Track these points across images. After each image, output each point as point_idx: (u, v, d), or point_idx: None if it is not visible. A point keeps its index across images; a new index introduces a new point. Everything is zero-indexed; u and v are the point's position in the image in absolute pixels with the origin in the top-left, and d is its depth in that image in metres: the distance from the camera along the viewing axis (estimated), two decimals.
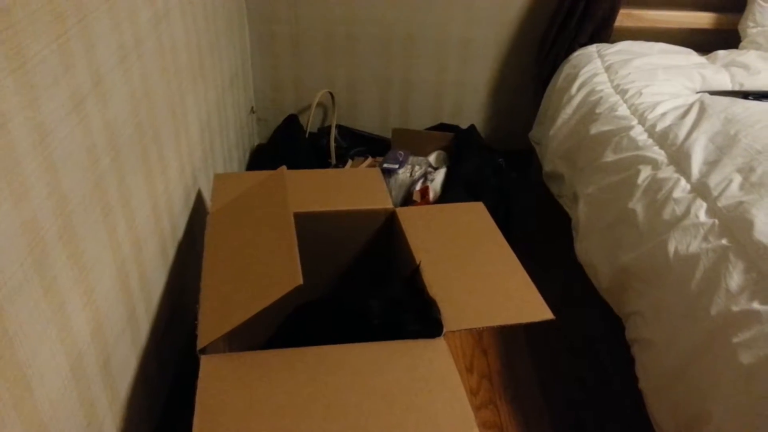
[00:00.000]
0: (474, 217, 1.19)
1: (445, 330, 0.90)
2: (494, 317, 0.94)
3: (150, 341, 1.02)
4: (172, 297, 1.13)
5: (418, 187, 1.74)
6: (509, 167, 1.75)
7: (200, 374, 0.80)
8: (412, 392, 0.80)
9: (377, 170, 1.35)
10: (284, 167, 1.13)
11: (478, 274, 1.02)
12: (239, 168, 1.81)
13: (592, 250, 1.25)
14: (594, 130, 1.42)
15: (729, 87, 1.48)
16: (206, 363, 0.82)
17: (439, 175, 1.77)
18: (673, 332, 0.94)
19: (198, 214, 1.31)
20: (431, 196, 1.70)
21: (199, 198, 1.33)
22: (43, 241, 0.66)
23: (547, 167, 1.60)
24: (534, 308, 0.96)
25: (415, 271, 1.00)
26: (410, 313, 0.91)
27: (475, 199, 1.64)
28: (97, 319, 0.81)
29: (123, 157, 0.89)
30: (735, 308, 0.84)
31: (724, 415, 0.81)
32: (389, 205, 1.21)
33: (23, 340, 0.62)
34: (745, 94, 1.40)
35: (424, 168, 1.81)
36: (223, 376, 0.81)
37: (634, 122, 1.33)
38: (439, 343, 0.89)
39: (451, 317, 0.92)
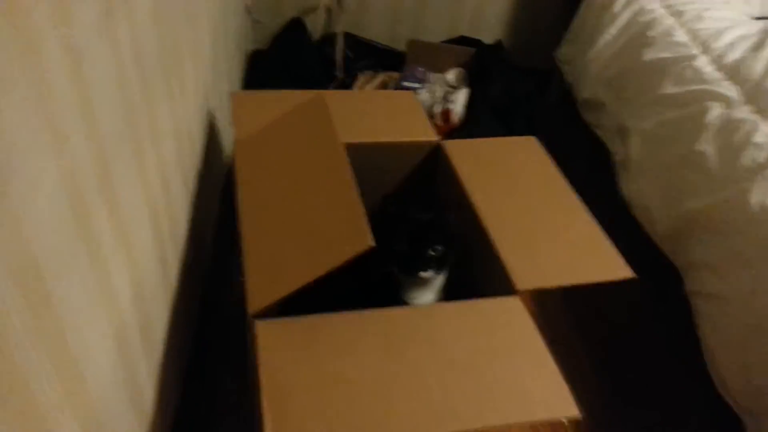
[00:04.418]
0: (529, 153, 1.07)
1: (519, 287, 0.82)
2: (570, 275, 0.85)
3: (178, 289, 0.90)
4: (194, 234, 1.00)
5: (438, 109, 1.60)
6: (539, 92, 1.62)
7: (259, 343, 0.70)
8: (496, 362, 0.72)
9: (413, 94, 1.21)
10: (321, 93, 0.98)
11: (543, 223, 0.92)
12: (240, 79, 1.62)
13: (647, 191, 1.16)
14: (647, 56, 1.29)
15: None
16: (263, 330, 0.71)
17: (460, 96, 1.63)
18: (754, 288, 0.88)
19: (211, 137, 1.16)
20: (454, 119, 1.57)
21: (211, 118, 1.17)
22: (84, 199, 0.52)
23: (585, 93, 1.48)
24: (610, 264, 0.87)
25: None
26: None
27: (506, 126, 1.53)
28: (136, 279, 0.68)
29: (149, 79, 0.73)
30: None
31: None
32: (433, 137, 1.08)
33: (74, 330, 0.50)
34: None
35: (443, 87, 1.66)
36: (285, 345, 0.70)
37: (697, 51, 1.21)
38: (515, 303, 0.80)
39: (523, 273, 0.83)
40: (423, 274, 0.87)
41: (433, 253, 0.88)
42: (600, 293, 0.85)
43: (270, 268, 0.76)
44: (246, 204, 0.85)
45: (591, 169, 1.40)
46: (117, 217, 0.60)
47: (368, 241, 0.71)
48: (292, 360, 0.69)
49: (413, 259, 0.87)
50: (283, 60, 1.69)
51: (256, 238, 0.80)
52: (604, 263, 0.87)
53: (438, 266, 0.89)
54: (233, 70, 1.52)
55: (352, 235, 0.73)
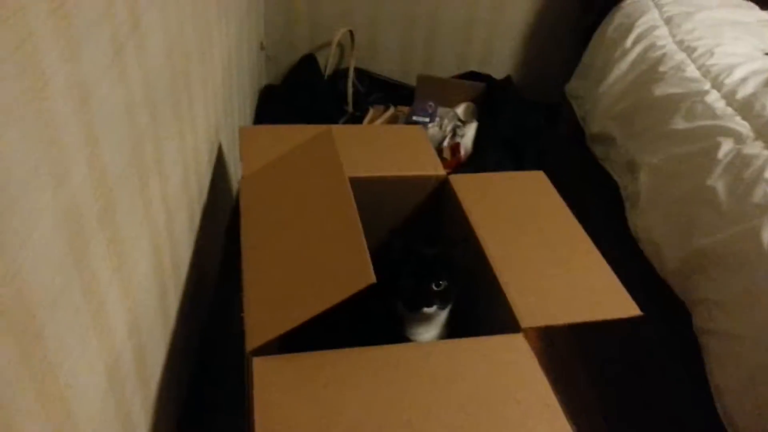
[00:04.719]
0: (536, 188, 1.06)
1: (523, 325, 0.80)
2: (576, 312, 0.83)
3: (178, 321, 0.90)
4: (197, 268, 1.00)
5: (446, 143, 1.60)
6: (548, 126, 1.62)
7: (255, 380, 0.69)
8: (500, 404, 0.70)
9: (421, 129, 1.21)
10: (329, 127, 0.99)
11: (550, 259, 0.91)
12: (252, 115, 1.64)
13: (655, 227, 1.14)
14: (658, 91, 1.29)
15: None
16: (260, 367, 0.70)
17: (470, 131, 1.64)
18: (763, 325, 0.85)
19: (220, 172, 1.17)
20: (462, 153, 1.57)
21: (220, 153, 1.18)
22: (83, 230, 0.52)
23: (595, 128, 1.47)
24: (617, 301, 0.85)
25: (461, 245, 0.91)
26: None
27: (515, 160, 1.53)
28: (134, 311, 0.68)
29: (159, 114, 0.74)
30: None
31: None
32: (441, 171, 1.08)
33: (64, 360, 0.49)
34: None
35: (452, 122, 1.67)
36: (282, 383, 0.69)
37: (708, 86, 1.21)
38: (519, 342, 0.78)
39: (528, 311, 0.82)
40: (426, 309, 0.86)
41: (436, 288, 0.87)
42: (611, 330, 0.83)
43: (270, 304, 0.76)
44: (248, 239, 0.85)
45: (601, 204, 1.38)
46: (116, 251, 0.61)
47: (369, 277, 0.70)
48: (288, 398, 0.68)
49: (417, 294, 0.86)
50: (295, 95, 1.71)
51: (257, 273, 0.80)
52: (612, 300, 0.85)
53: (442, 302, 0.88)
54: (245, 105, 1.54)
55: (354, 271, 0.72)
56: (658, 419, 1.12)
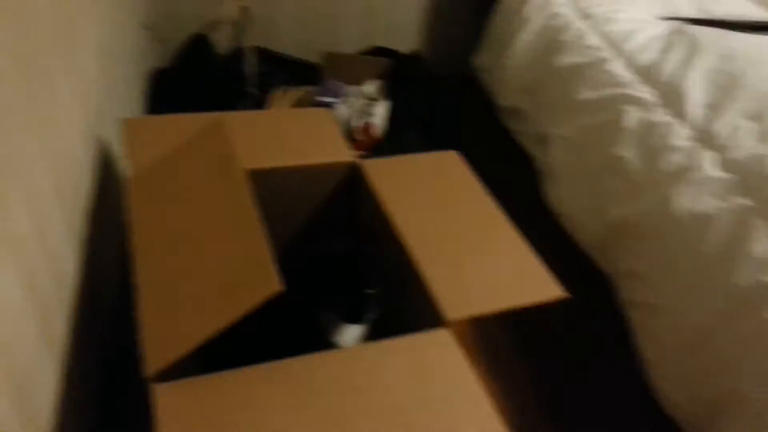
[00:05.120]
0: (451, 170, 1.02)
1: (449, 317, 0.76)
2: (501, 300, 0.80)
3: (70, 348, 0.78)
4: (88, 283, 0.88)
5: (357, 123, 1.53)
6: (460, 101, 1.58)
7: (159, 411, 0.60)
8: (432, 412, 0.66)
9: (328, 111, 1.13)
10: (221, 116, 0.89)
11: (470, 245, 0.87)
12: (142, 102, 1.49)
13: (571, 199, 1.14)
14: (560, 61, 1.28)
15: (693, 14, 1.39)
16: (163, 395, 0.62)
17: (381, 109, 1.57)
18: (686, 298, 0.86)
19: (107, 170, 1.04)
20: (374, 133, 1.51)
21: (104, 149, 1.05)
22: None
23: (504, 102, 1.45)
24: (542, 285, 0.83)
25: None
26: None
27: (429, 138, 1.49)
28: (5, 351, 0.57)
29: (3, 107, 0.62)
30: (766, 279, 0.77)
31: (758, 394, 0.75)
32: (349, 157, 1.01)
33: None
34: (721, 23, 1.31)
35: (362, 100, 1.60)
36: (189, 411, 0.61)
37: (609, 54, 1.21)
38: (444, 337, 0.74)
39: (452, 302, 0.78)
40: (368, 318, 0.81)
41: (369, 292, 0.82)
42: (540, 309, 0.81)
43: (168, 322, 0.67)
44: (139, 249, 0.75)
45: (517, 179, 1.37)
46: None
47: (276, 284, 0.63)
48: (199, 430, 0.60)
49: (354, 304, 0.80)
50: (188, 79, 1.58)
51: (151, 288, 0.70)
52: (536, 284, 0.83)
53: (378, 305, 0.83)
54: (132, 92, 1.39)
55: (259, 279, 0.65)
56: (594, 400, 1.10)
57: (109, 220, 1.04)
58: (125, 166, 0.89)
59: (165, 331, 0.66)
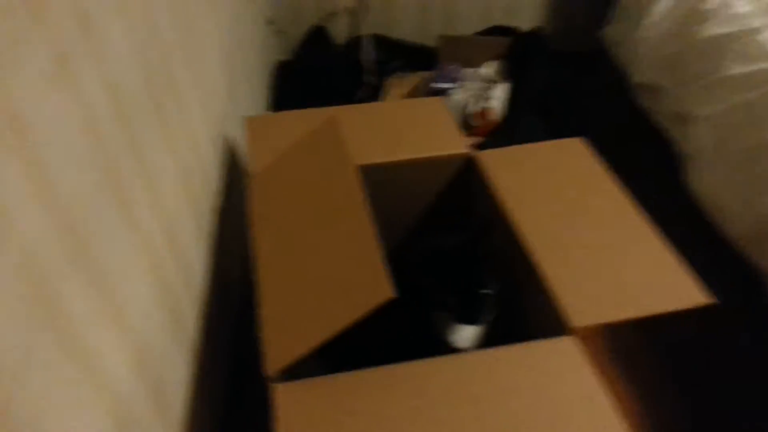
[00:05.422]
0: (577, 159, 0.95)
1: (575, 324, 0.70)
2: (634, 305, 0.72)
3: (200, 345, 0.83)
4: (217, 279, 0.93)
5: (474, 108, 1.48)
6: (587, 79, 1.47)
7: (278, 411, 0.62)
8: (550, 426, 0.61)
9: (440, 100, 1.10)
10: (335, 112, 0.89)
11: (599, 244, 0.80)
12: (265, 95, 1.55)
13: (718, 187, 1.01)
14: (704, 32, 1.14)
15: None
16: (283, 395, 0.63)
17: (499, 92, 1.51)
18: None
19: (232, 167, 1.09)
20: (492, 118, 1.45)
21: (228, 146, 1.10)
22: (47, 283, 0.45)
23: (638, 78, 1.32)
24: (681, 288, 0.74)
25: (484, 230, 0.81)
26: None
27: (551, 122, 1.40)
28: (137, 346, 0.61)
29: (135, 121, 0.66)
30: None
31: None
32: (463, 149, 0.97)
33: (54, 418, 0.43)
34: None
35: (479, 84, 1.54)
36: (308, 413, 0.62)
37: (762, 22, 1.05)
38: (569, 346, 0.69)
39: (579, 306, 0.72)
40: (484, 319, 0.78)
41: (485, 292, 0.78)
42: (681, 316, 0.72)
43: (287, 323, 0.68)
44: (259, 247, 0.78)
45: (653, 165, 1.25)
46: (99, 285, 0.53)
47: (388, 291, 0.62)
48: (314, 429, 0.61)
49: (468, 306, 0.77)
50: (308, 71, 1.61)
51: (271, 287, 0.72)
52: (676, 287, 0.74)
53: (495, 305, 0.79)
54: (257, 88, 1.45)
55: (371, 285, 0.64)
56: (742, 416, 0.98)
57: (237, 217, 1.09)
58: (248, 163, 0.92)
59: (285, 332, 0.67)
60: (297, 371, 0.72)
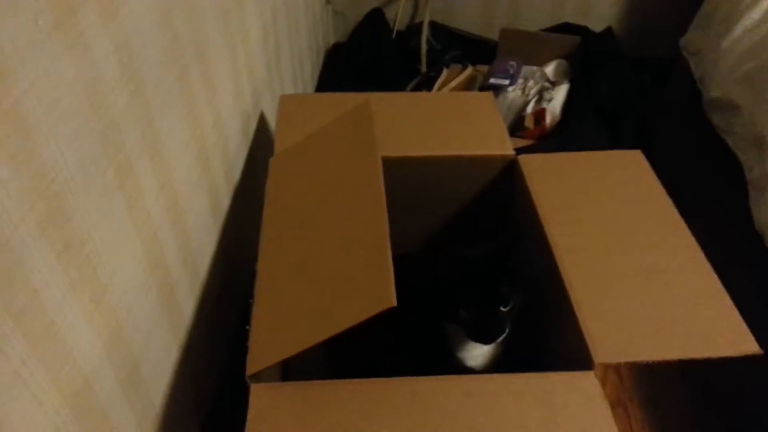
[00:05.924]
0: (631, 173, 0.85)
1: (600, 360, 0.62)
2: (668, 346, 0.64)
3: (195, 328, 0.79)
4: (227, 264, 0.89)
5: (530, 109, 1.39)
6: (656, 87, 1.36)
7: (250, 412, 0.57)
8: None
9: (489, 96, 1.02)
10: (370, 98, 0.83)
11: (639, 270, 0.71)
12: (312, 74, 1.50)
13: None
14: None
15: None
16: (258, 395, 0.59)
17: (560, 93, 1.41)
18: None
19: (260, 146, 1.05)
20: (548, 121, 1.36)
21: (263, 124, 1.06)
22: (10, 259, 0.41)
23: (715, 92, 1.20)
24: (728, 332, 0.65)
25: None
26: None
27: (612, 131, 1.30)
28: (112, 330, 0.58)
29: (149, 89, 0.62)
30: None
31: None
32: (507, 150, 0.89)
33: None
34: None
35: (539, 83, 1.45)
36: (280, 419, 0.57)
37: None
38: (589, 383, 0.61)
39: (607, 341, 0.64)
40: (498, 339, 0.71)
41: (504, 309, 0.71)
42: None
43: (278, 322, 0.63)
44: (265, 233, 0.73)
45: (719, 189, 1.13)
46: (75, 257, 0.50)
47: (389, 300, 0.56)
48: None
49: (484, 322, 0.71)
50: (360, 55, 1.55)
51: (269, 280, 0.67)
52: (721, 331, 0.65)
53: (511, 323, 0.72)
54: (306, 68, 1.40)
55: (374, 291, 0.58)
56: None
57: (259, 200, 1.05)
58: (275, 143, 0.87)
59: (274, 330, 0.63)
60: (302, 370, 0.68)
